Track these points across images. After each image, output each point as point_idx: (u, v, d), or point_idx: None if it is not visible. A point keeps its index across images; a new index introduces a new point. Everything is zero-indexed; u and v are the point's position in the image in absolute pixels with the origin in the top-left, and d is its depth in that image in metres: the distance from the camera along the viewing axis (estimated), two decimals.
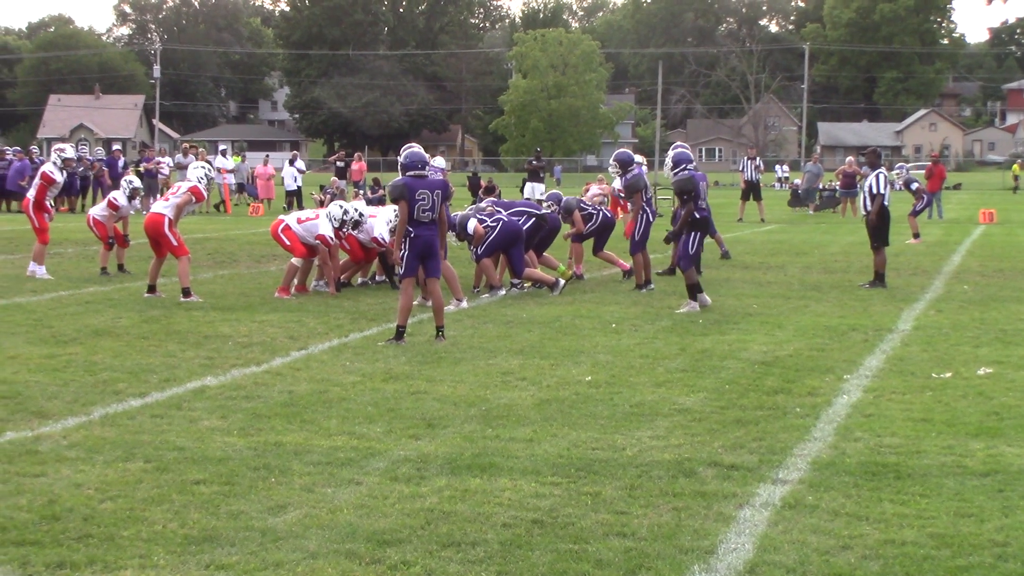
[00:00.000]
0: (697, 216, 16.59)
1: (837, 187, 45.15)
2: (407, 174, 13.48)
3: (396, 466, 8.27)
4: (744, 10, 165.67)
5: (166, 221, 17.35)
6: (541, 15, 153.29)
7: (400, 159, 13.72)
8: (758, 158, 41.90)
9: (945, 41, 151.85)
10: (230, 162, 47.21)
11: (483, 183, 43.70)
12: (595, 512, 7.31)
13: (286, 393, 10.70)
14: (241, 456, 8.48)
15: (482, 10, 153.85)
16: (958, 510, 7.39)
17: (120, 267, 20.72)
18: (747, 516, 7.25)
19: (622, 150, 21.08)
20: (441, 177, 16.89)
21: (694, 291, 16.45)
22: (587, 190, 43.51)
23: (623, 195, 22.27)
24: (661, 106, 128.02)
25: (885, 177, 19.25)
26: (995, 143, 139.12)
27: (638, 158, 22.06)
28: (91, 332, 14.04)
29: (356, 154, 52.99)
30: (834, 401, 10.52)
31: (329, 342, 13.57)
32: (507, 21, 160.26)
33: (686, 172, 16.66)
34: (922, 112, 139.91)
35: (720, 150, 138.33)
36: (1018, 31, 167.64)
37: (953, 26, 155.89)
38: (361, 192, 42.86)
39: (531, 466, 8.29)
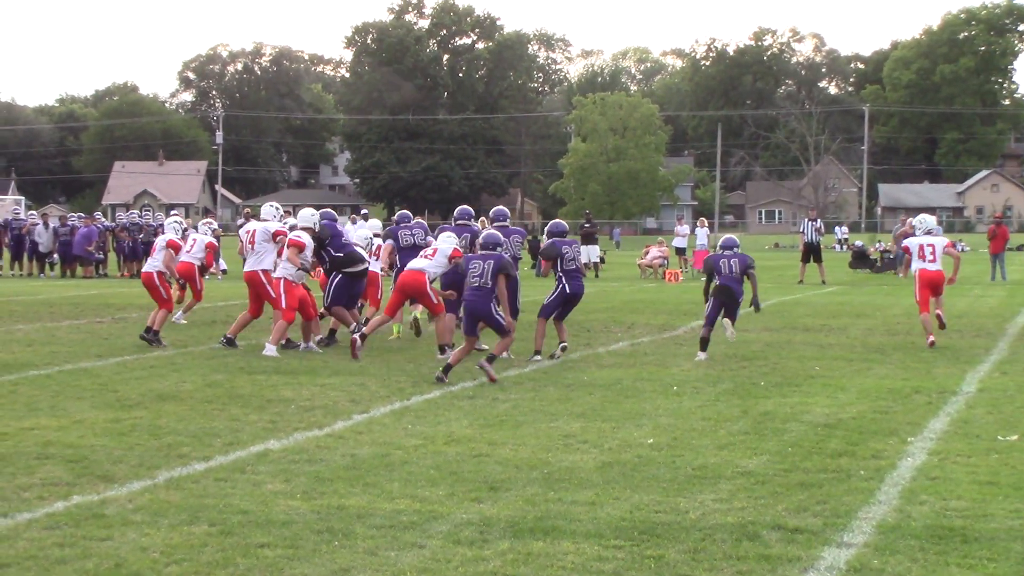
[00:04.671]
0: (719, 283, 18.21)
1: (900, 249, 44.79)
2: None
3: (459, 529, 8.28)
4: (803, 72, 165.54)
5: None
6: (599, 79, 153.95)
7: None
8: (819, 220, 41.98)
9: (1007, 101, 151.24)
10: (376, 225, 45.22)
11: (542, 246, 43.78)
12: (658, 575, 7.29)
13: (349, 456, 10.74)
14: (304, 519, 8.51)
15: (541, 74, 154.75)
16: None
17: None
18: None
19: (556, 220, 20.14)
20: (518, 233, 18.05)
21: (704, 343, 18.04)
22: (647, 252, 43.31)
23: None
24: (720, 168, 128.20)
25: None
26: None
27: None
28: (155, 396, 14.15)
29: (416, 219, 53.03)
30: (898, 464, 10.44)
31: (391, 405, 13.61)
32: (566, 85, 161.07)
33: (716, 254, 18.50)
34: (984, 173, 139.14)
35: (780, 212, 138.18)
36: None
37: (1015, 86, 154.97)
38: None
39: (594, 529, 8.27)
